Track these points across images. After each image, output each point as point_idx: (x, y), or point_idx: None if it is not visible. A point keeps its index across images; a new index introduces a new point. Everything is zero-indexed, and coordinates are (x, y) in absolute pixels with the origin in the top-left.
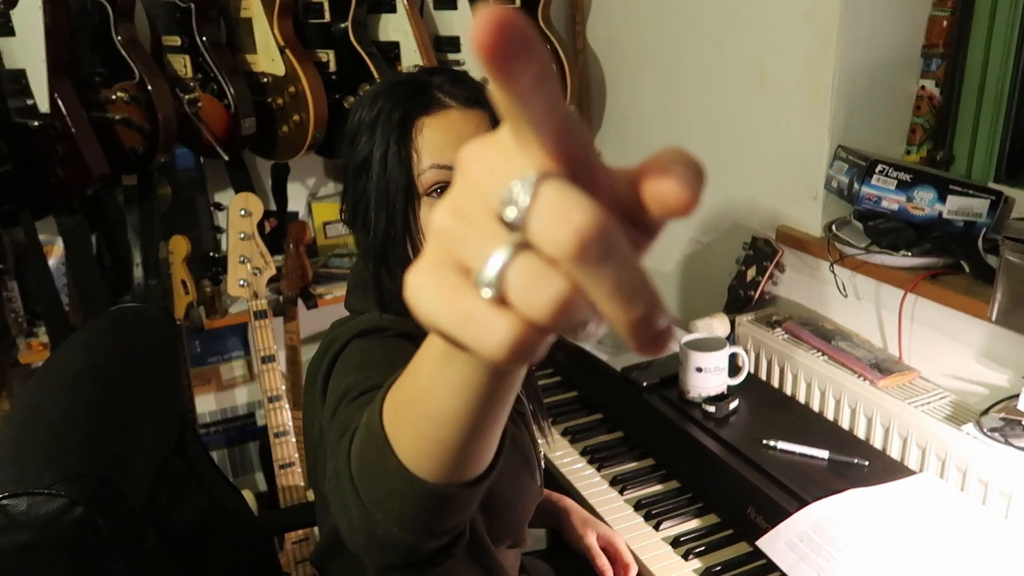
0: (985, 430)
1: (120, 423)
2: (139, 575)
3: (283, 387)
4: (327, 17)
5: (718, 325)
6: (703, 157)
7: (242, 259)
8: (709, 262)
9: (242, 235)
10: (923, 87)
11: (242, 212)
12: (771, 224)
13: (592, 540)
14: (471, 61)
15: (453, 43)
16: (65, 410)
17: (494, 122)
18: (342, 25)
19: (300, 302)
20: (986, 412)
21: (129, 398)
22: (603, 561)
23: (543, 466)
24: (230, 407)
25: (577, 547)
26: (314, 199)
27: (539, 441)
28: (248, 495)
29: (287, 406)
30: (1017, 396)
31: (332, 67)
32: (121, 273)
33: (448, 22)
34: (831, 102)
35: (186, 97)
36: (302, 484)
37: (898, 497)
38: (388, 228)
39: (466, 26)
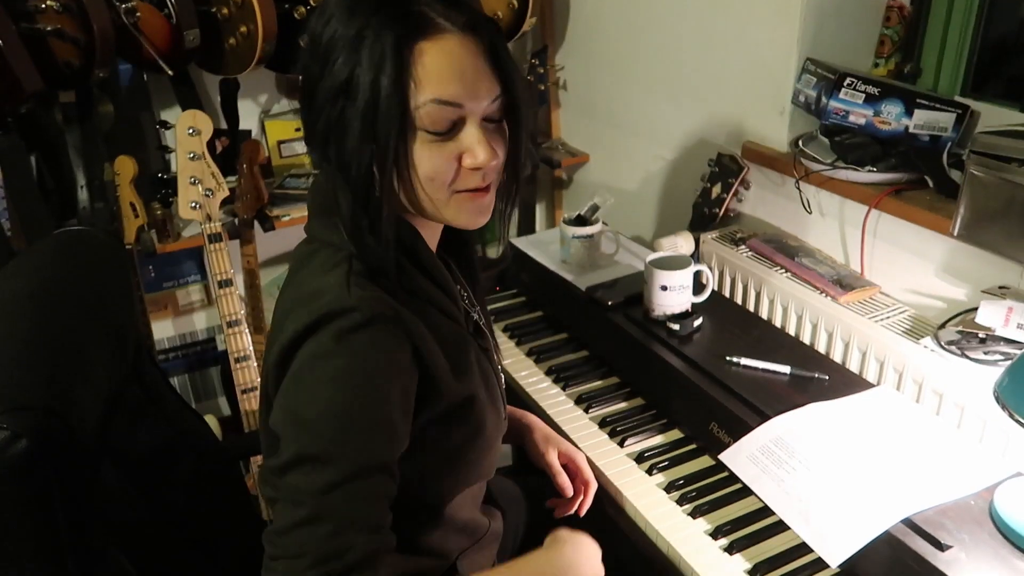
0: (942, 343)
1: (66, 352)
2: (96, 506)
3: (242, 311)
4: None
5: (683, 243)
6: (667, 72)
7: (193, 180)
8: (674, 179)
9: (191, 155)
10: None
11: (190, 131)
12: (737, 140)
13: (553, 457)
14: None
15: None
16: (5, 340)
17: (490, 50)
18: None
19: (256, 224)
20: (943, 326)
21: (75, 326)
22: (563, 479)
23: (505, 394)
24: (189, 332)
25: (539, 464)
26: (267, 116)
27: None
28: (212, 420)
29: (247, 331)
30: (975, 310)
31: None
32: (65, 196)
33: None
34: (800, 13)
35: (122, 6)
36: None
37: (856, 410)
38: (374, 163)
39: None
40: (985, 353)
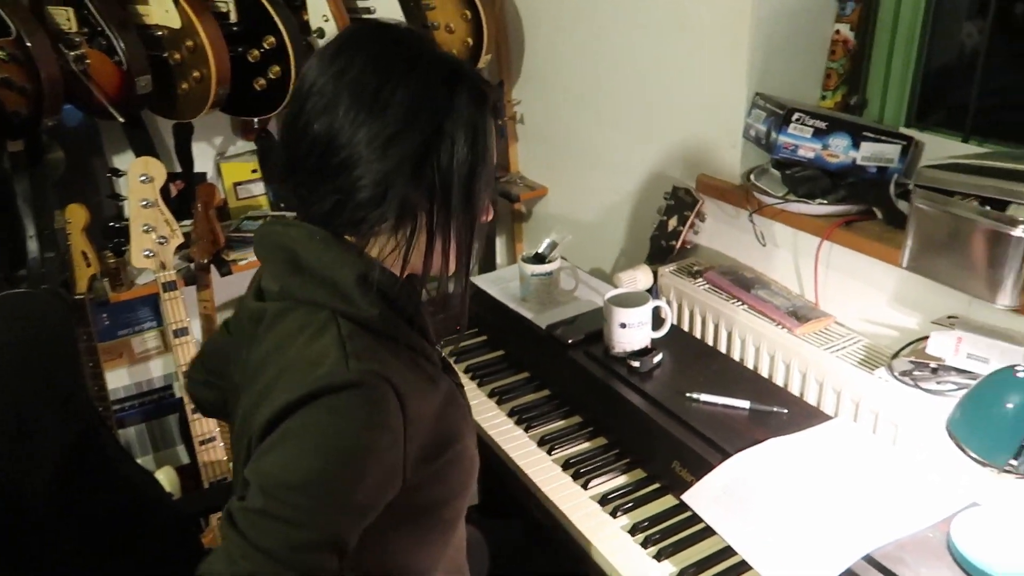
0: (896, 374)
1: (12, 424)
2: (54, 570)
3: None
4: None
5: (641, 277)
6: (622, 105)
7: (146, 228)
8: (632, 212)
9: (144, 202)
10: (838, 31)
11: (143, 178)
12: (692, 173)
13: None
14: (382, 8)
15: None
16: None
17: None
18: None
19: (213, 269)
20: (896, 356)
21: (20, 395)
22: None
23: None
24: (145, 380)
25: None
26: (223, 159)
27: None
28: (169, 471)
29: None
30: (926, 339)
31: (233, 17)
32: (15, 246)
33: None
34: (749, 48)
35: (71, 54)
36: (224, 458)
37: (814, 443)
38: (466, 219)
39: None
40: (937, 383)
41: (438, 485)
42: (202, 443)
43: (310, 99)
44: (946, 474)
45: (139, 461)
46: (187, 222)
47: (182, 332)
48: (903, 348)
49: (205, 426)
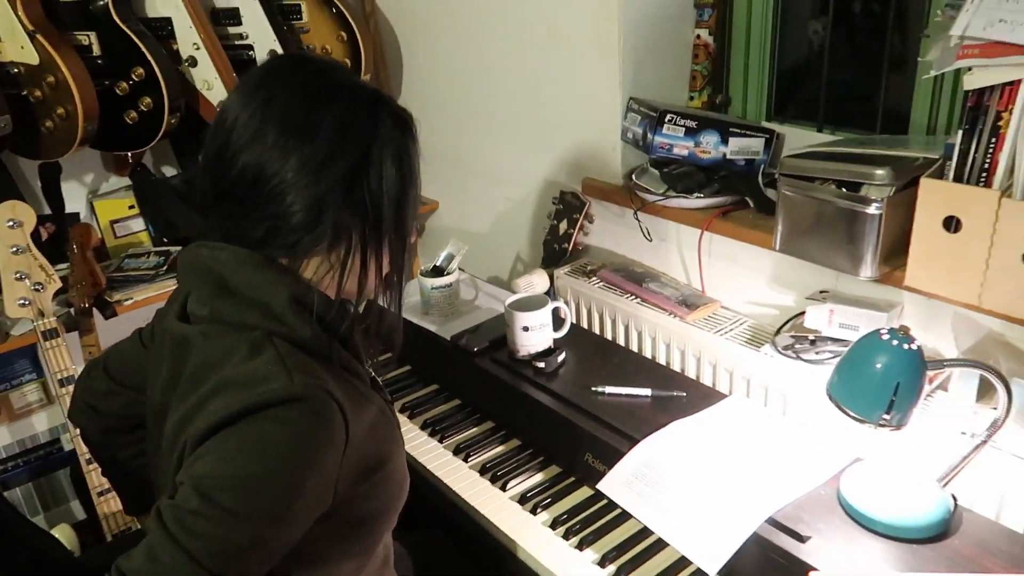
0: (779, 349)
1: None
2: None
3: None
4: None
5: (538, 281)
6: (505, 116)
7: (19, 275)
8: (524, 219)
9: (14, 249)
10: (698, 36)
11: (10, 223)
12: (577, 177)
13: None
14: (255, 33)
15: (233, 15)
16: None
17: None
18: (101, 3)
19: (96, 312)
20: (778, 332)
21: None
22: None
23: None
24: (29, 436)
25: None
26: (96, 197)
27: None
28: (66, 529)
29: None
30: (803, 314)
31: (96, 50)
32: None
33: None
34: (619, 55)
35: None
36: None
37: (713, 421)
38: (397, 239)
39: None
40: (816, 353)
41: (369, 501)
42: (100, 494)
43: (235, 131)
44: (832, 435)
45: None
46: (63, 266)
47: (68, 381)
48: (784, 324)
49: (103, 476)
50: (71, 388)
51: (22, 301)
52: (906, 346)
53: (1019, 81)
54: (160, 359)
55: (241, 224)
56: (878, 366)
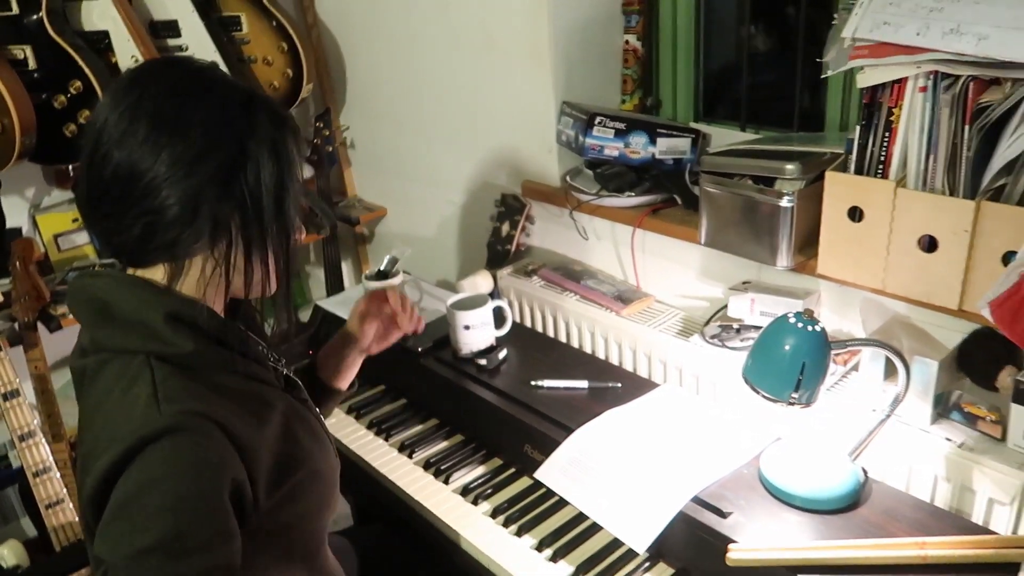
0: (707, 338)
1: None
2: None
3: (35, 422)
4: (15, 8)
5: (482, 282)
6: (446, 122)
7: None
8: (467, 222)
9: None
10: (627, 41)
11: None
12: (517, 179)
13: (370, 322)
14: (194, 45)
15: (171, 27)
16: None
17: None
18: (35, 16)
19: (41, 326)
20: (707, 323)
21: None
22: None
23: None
24: None
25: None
26: (38, 211)
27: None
28: (16, 545)
29: (43, 441)
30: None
31: (32, 64)
32: None
33: (162, 5)
34: (550, 61)
35: None
36: (76, 520)
37: (645, 409)
38: (282, 237)
39: (183, 8)
40: (741, 341)
41: (293, 504)
42: (48, 507)
43: (105, 131)
44: (756, 418)
45: None
46: (5, 280)
47: (13, 395)
48: (714, 315)
49: (51, 488)
50: (16, 401)
51: None
52: (810, 328)
53: (906, 79)
54: (78, 396)
55: (120, 223)
56: (786, 348)
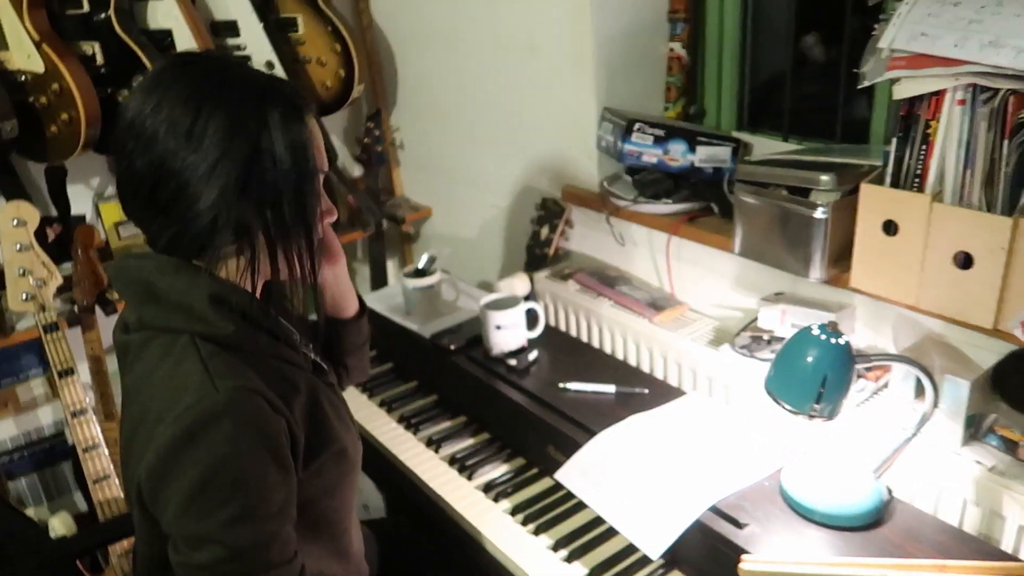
0: (737, 348)
1: None
2: None
3: (88, 400)
4: (86, 7)
5: (519, 284)
6: (491, 125)
7: (22, 272)
8: (508, 225)
9: (18, 246)
10: (672, 49)
11: (15, 222)
12: (557, 184)
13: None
14: (252, 45)
15: (231, 28)
16: None
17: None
18: (104, 15)
19: (98, 309)
20: (739, 334)
21: None
22: None
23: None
24: (34, 429)
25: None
26: (101, 199)
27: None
28: (65, 516)
29: (94, 419)
30: None
31: (99, 60)
32: None
33: (223, 6)
34: (593, 67)
35: None
36: (120, 496)
37: (670, 417)
38: (303, 228)
39: (242, 9)
40: (771, 352)
41: (320, 478)
42: (96, 481)
43: (129, 138)
44: (781, 431)
45: (33, 511)
46: (67, 265)
47: (67, 373)
48: (745, 326)
49: (98, 464)
50: (70, 379)
51: (25, 295)
52: (834, 340)
53: (943, 91)
54: (121, 370)
55: (150, 229)
56: (808, 359)
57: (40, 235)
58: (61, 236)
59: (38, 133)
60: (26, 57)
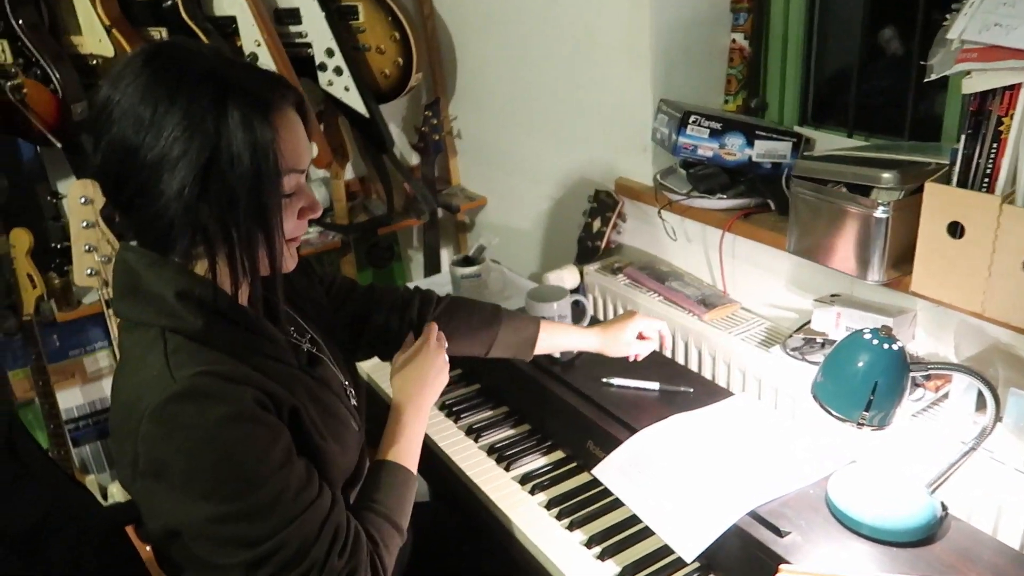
0: (788, 351)
1: None
2: None
3: None
4: None
5: (568, 276)
6: (547, 116)
7: (88, 248)
8: (561, 216)
9: (85, 223)
10: (734, 40)
11: (82, 200)
12: (611, 176)
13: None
14: (313, 33)
15: (293, 15)
16: None
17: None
18: (171, 1)
19: None
20: (791, 335)
21: None
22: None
23: (356, 412)
24: (99, 399)
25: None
26: None
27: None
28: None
29: None
30: None
31: None
32: None
33: None
34: (650, 58)
35: (8, 84)
36: None
37: (714, 417)
38: (261, 231)
39: None
40: (824, 356)
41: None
42: None
43: (94, 129)
44: (831, 438)
45: (95, 478)
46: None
47: None
48: (799, 328)
49: None
50: None
51: (90, 271)
52: (887, 346)
53: (1019, 86)
54: None
55: (121, 212)
56: (859, 364)
57: (106, 213)
58: None
59: None
60: (97, 41)
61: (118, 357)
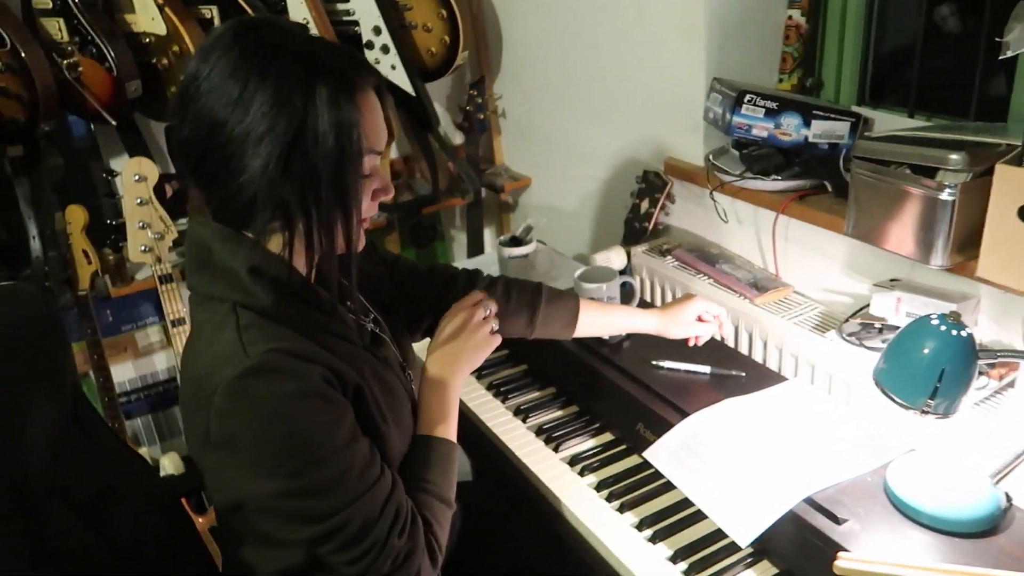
0: (845, 336)
1: (8, 401)
2: (51, 546)
3: None
4: None
5: (615, 257)
6: (594, 95)
7: (141, 225)
8: (608, 197)
9: (139, 200)
10: (790, 17)
11: (136, 177)
12: (660, 157)
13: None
14: (360, 10)
15: None
16: None
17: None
18: None
19: None
20: (848, 320)
21: (13, 376)
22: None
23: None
24: (150, 373)
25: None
26: None
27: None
28: (174, 456)
29: None
30: None
31: (217, 23)
32: (18, 246)
33: None
34: (703, 36)
35: (64, 62)
36: None
37: (768, 402)
38: (340, 209)
39: None
40: (883, 342)
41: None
42: None
43: (182, 103)
44: (890, 425)
45: (146, 451)
46: (184, 220)
47: (179, 322)
48: (855, 312)
49: None
50: (182, 328)
51: (143, 247)
52: (955, 332)
53: None
54: None
55: (201, 190)
56: (925, 351)
57: (159, 191)
58: (178, 192)
59: (159, 93)
60: (150, 19)
61: (189, 329)
